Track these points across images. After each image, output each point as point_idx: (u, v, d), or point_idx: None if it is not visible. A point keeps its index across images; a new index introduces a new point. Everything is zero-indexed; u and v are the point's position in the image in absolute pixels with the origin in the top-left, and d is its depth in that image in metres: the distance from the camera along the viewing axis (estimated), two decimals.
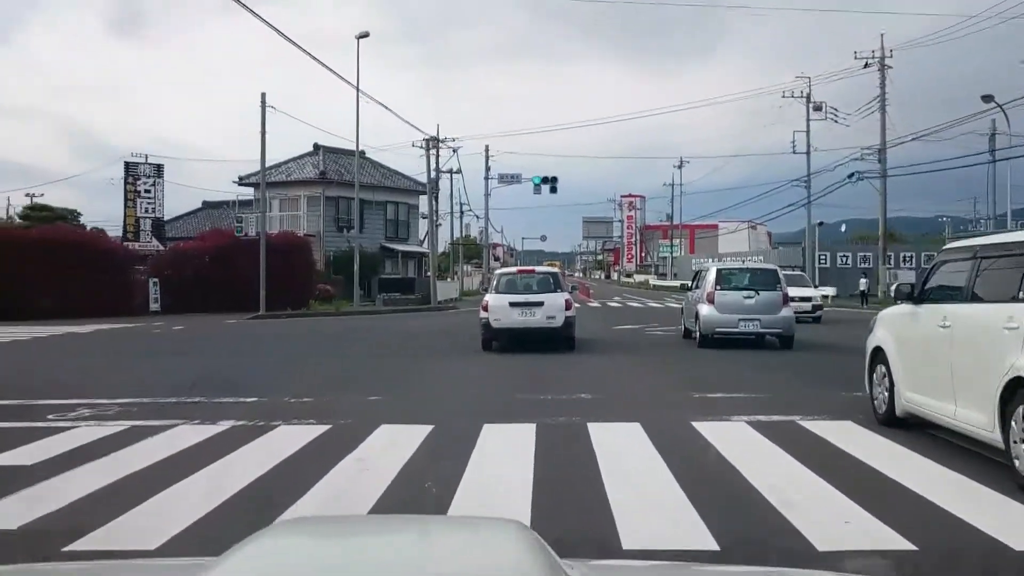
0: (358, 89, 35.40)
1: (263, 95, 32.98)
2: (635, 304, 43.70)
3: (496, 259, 63.48)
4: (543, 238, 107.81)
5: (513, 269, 20.88)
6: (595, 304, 42.19)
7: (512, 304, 17.03)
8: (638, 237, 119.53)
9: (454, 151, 44.50)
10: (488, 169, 48.12)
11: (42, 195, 54.49)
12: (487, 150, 48.33)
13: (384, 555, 1.72)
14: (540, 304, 16.96)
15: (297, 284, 36.50)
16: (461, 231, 68.75)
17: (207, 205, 54.02)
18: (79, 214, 48.83)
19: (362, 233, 41.44)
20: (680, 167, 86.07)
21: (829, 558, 4.45)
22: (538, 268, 21.53)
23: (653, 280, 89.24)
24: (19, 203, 52.29)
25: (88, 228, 44.84)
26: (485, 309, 17.24)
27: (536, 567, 1.54)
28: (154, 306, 34.63)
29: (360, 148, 49.76)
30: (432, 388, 12.10)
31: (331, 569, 1.62)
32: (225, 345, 20.28)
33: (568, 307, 17.16)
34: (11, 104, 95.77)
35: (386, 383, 12.51)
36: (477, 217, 70.48)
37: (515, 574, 1.54)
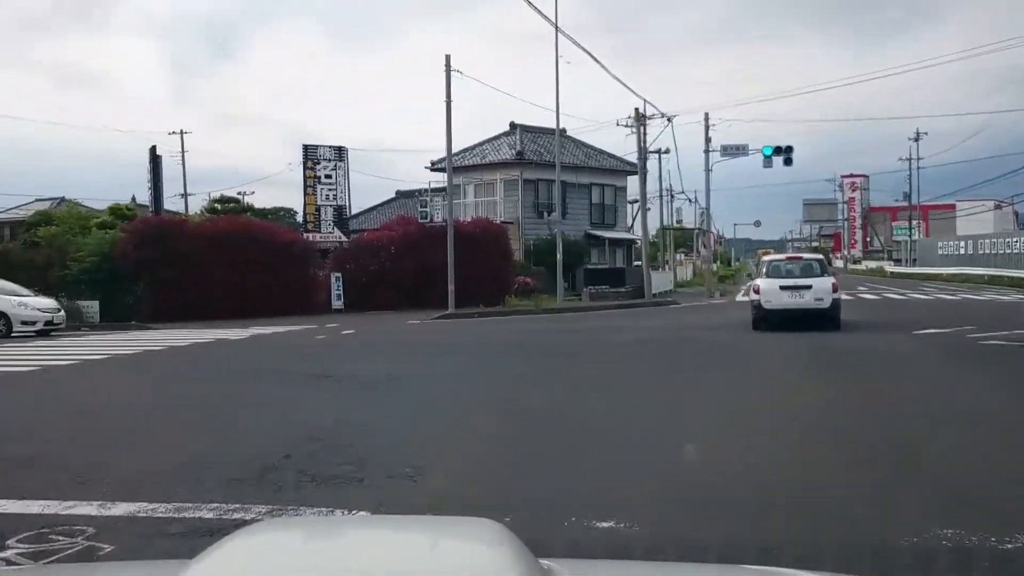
0: (557, 30, 30.10)
1: (447, 57, 28.44)
2: (895, 296, 35.95)
3: (704, 247, 56.44)
4: (757, 223, 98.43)
5: (780, 256, 23.05)
6: (847, 296, 34.87)
7: (783, 287, 18.56)
8: (861, 220, 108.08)
9: (668, 120, 38.24)
10: (708, 140, 41.50)
11: (252, 193, 53.76)
12: (707, 119, 41.70)
13: (360, 555, 1.70)
14: (808, 287, 18.43)
15: (492, 277, 31.77)
16: (671, 216, 62.26)
17: (400, 195, 50.71)
18: (293, 211, 46.67)
19: (564, 219, 36.54)
20: (917, 139, 75.14)
21: None
22: (804, 255, 24.52)
23: (889, 266, 78.86)
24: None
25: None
26: (756, 292, 19.04)
27: (512, 565, 1.53)
28: (336, 303, 30.91)
29: (560, 127, 45.00)
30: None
31: (306, 569, 1.59)
32: (390, 360, 15.17)
33: (835, 290, 18.58)
34: (243, 113, 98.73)
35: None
36: (689, 201, 63.75)
37: (491, 572, 1.54)
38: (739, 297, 37.17)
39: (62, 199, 45.55)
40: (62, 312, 23.23)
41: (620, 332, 19.44)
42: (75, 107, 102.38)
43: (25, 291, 23.43)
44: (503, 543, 1.65)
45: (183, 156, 56.72)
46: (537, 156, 41.79)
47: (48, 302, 23.23)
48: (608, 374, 12.57)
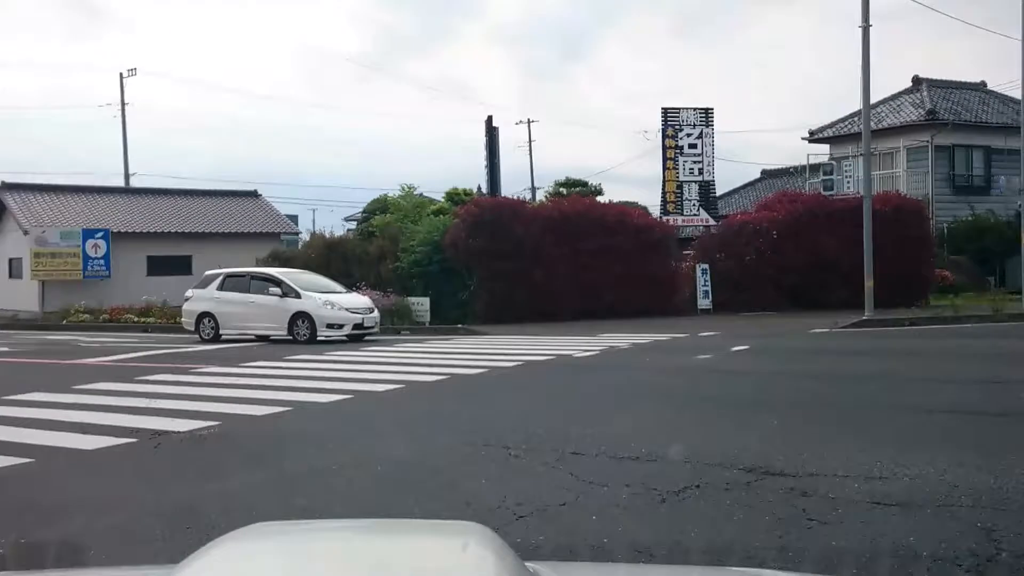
0: None
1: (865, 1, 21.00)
2: None
3: None
4: None
5: None
6: None
7: None
8: None
9: None
10: None
11: (599, 185, 49.91)
12: None
13: (346, 559, 1.71)
14: None
15: (908, 269, 23.87)
16: None
17: (767, 174, 43.50)
18: (638, 206, 41.45)
19: (990, 194, 27.50)
20: None
21: None
22: None
23: None
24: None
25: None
26: None
27: (499, 568, 1.55)
28: (703, 303, 24.75)
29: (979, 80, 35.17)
30: None
31: (293, 573, 1.62)
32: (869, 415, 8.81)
33: None
34: (586, 113, 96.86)
35: None
36: None
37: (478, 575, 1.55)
38: None
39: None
40: (375, 313, 19.24)
41: None
42: (438, 114, 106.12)
43: (339, 287, 19.84)
44: (490, 546, 1.67)
45: (530, 146, 53.80)
46: (953, 116, 32.61)
47: (360, 300, 19.37)
48: None
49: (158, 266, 32.72)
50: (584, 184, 37.72)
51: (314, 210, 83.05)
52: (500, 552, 1.64)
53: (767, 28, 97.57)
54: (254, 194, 38.18)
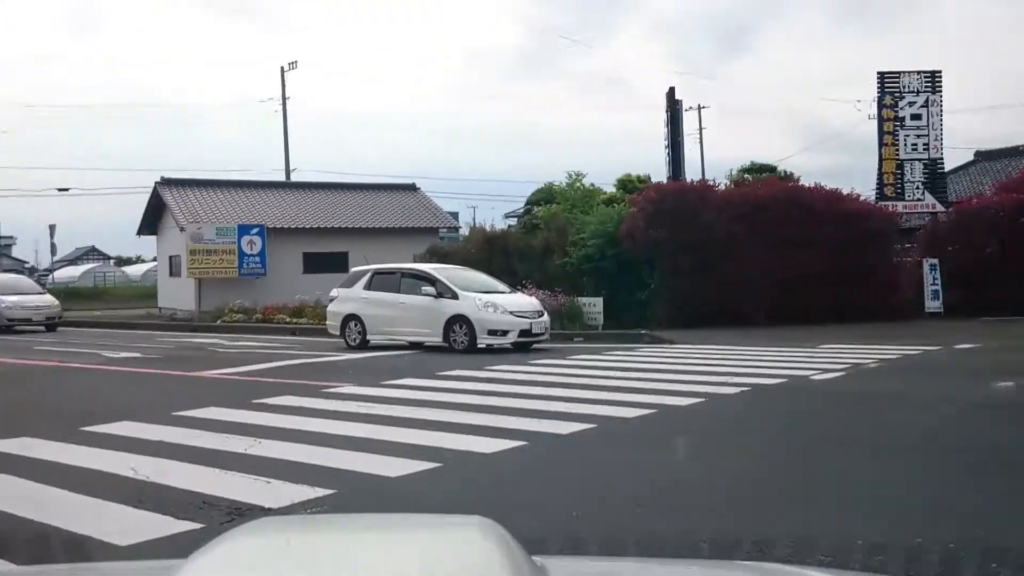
0: None
1: None
2: None
3: None
4: None
5: None
6: None
7: None
8: None
9: None
10: None
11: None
12: None
13: (352, 554, 1.68)
14: None
15: None
16: None
17: (981, 156, 37.95)
18: None
19: None
20: None
21: None
22: None
23: None
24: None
25: None
26: None
27: (505, 563, 1.53)
28: (932, 305, 20.57)
29: None
30: None
31: (299, 568, 1.59)
32: None
33: None
34: (748, 106, 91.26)
35: None
36: None
37: (485, 570, 1.52)
38: None
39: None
40: (544, 317, 16.20)
41: None
42: (598, 108, 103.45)
43: (502, 286, 16.99)
44: (497, 540, 1.65)
45: (700, 134, 49.84)
46: None
47: (526, 302, 16.44)
48: None
49: (313, 263, 31.28)
50: (772, 169, 33.56)
51: (474, 207, 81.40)
52: (507, 545, 1.61)
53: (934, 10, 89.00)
54: (412, 187, 36.28)
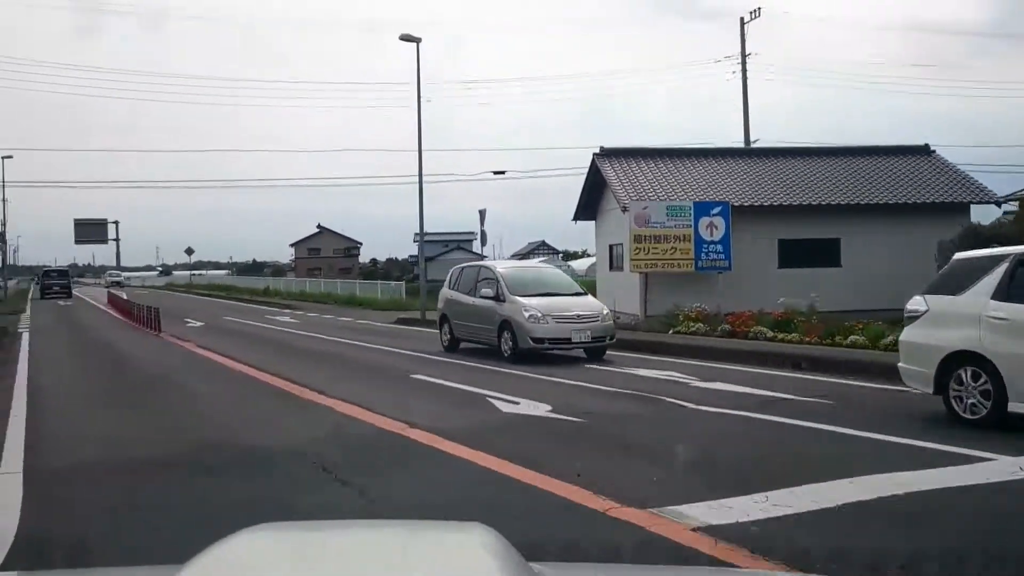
0: None
1: None
2: None
3: None
4: None
5: None
6: None
7: None
8: None
9: None
10: None
11: None
12: None
13: (351, 559, 1.67)
14: None
15: None
16: None
17: None
18: None
19: None
20: None
21: None
22: None
23: None
24: None
25: None
26: None
27: (503, 569, 1.52)
28: None
29: None
30: None
31: (297, 573, 1.59)
32: None
33: None
34: None
35: None
36: None
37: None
38: None
39: None
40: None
41: None
42: None
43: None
44: (494, 547, 1.64)
45: None
46: None
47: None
48: None
49: (791, 254, 23.37)
50: None
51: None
52: (505, 552, 1.61)
53: None
54: (925, 150, 26.53)
